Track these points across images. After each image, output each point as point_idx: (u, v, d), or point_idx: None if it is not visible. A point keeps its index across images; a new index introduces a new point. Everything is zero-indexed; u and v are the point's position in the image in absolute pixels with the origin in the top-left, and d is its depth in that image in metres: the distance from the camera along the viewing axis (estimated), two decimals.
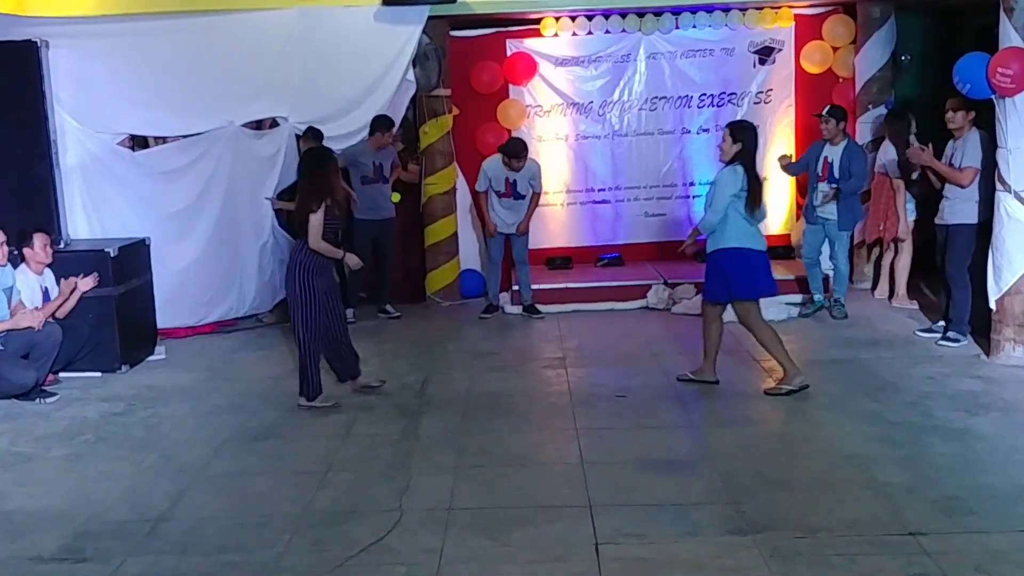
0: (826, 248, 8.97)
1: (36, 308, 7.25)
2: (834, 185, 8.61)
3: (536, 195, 9.29)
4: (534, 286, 9.55)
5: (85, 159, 8.49)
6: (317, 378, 6.74)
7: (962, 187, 7.49)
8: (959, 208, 7.57)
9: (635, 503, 4.95)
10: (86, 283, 7.56)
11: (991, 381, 6.76)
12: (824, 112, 8.78)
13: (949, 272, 7.65)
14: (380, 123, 9.06)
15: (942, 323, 7.87)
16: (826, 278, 9.11)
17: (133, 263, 8.14)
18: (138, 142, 8.99)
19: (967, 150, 7.48)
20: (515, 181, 9.13)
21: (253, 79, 8.78)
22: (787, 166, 9.18)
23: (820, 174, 8.77)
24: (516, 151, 9.01)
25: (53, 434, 6.41)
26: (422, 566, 4.35)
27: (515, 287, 9.60)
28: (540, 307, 9.44)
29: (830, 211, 8.71)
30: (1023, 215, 6.90)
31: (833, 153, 8.70)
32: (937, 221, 7.83)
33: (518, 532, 4.67)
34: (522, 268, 9.41)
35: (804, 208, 9.08)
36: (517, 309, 9.50)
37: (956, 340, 7.61)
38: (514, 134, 10.27)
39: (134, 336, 8.08)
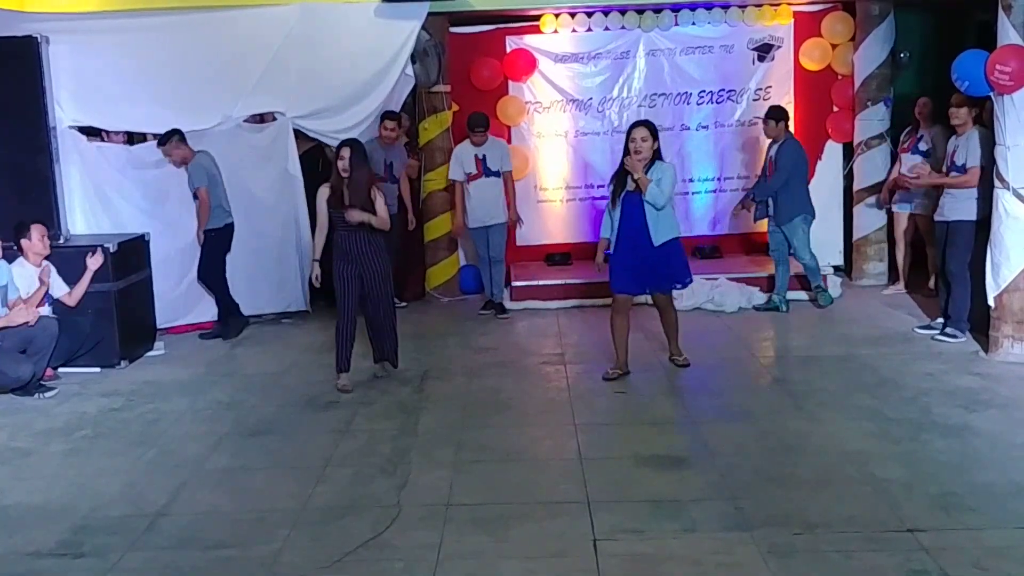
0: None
1: (27, 295, 7.26)
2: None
3: (508, 174, 9.28)
4: (534, 282, 9.55)
5: (83, 154, 8.49)
6: (341, 354, 7.08)
7: (972, 187, 7.47)
8: (959, 205, 7.57)
9: (633, 499, 4.95)
10: (95, 261, 7.59)
11: (990, 378, 6.77)
12: (765, 115, 8.99)
13: (949, 268, 7.66)
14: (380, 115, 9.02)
15: (940, 320, 7.88)
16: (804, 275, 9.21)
17: (132, 258, 8.14)
18: (136, 136, 8.99)
19: (970, 148, 7.48)
20: (484, 157, 9.12)
21: (253, 75, 8.76)
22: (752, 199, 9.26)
23: (768, 174, 8.94)
24: (475, 122, 9.06)
25: (52, 429, 6.42)
26: (420, 561, 4.36)
27: (515, 283, 9.60)
28: (539, 303, 9.46)
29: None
30: (1021, 212, 6.90)
31: (774, 150, 8.88)
32: (937, 218, 7.85)
33: (516, 528, 4.67)
34: (496, 266, 9.38)
35: (755, 209, 9.15)
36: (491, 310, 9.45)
37: (955, 336, 7.62)
38: (514, 130, 10.30)
39: (133, 331, 8.08)
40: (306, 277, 9.24)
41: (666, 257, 6.89)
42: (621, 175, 6.87)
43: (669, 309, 7.24)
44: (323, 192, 7.06)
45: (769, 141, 9.09)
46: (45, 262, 7.48)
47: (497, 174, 9.19)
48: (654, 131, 6.80)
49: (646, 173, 6.74)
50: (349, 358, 7.12)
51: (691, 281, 7.36)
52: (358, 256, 6.96)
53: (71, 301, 7.53)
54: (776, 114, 8.90)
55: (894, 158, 9.52)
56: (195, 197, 8.49)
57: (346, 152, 6.95)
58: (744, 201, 9.29)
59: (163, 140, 8.43)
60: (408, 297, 9.87)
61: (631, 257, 6.86)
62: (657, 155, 6.81)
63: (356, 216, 6.83)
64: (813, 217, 8.89)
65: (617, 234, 6.92)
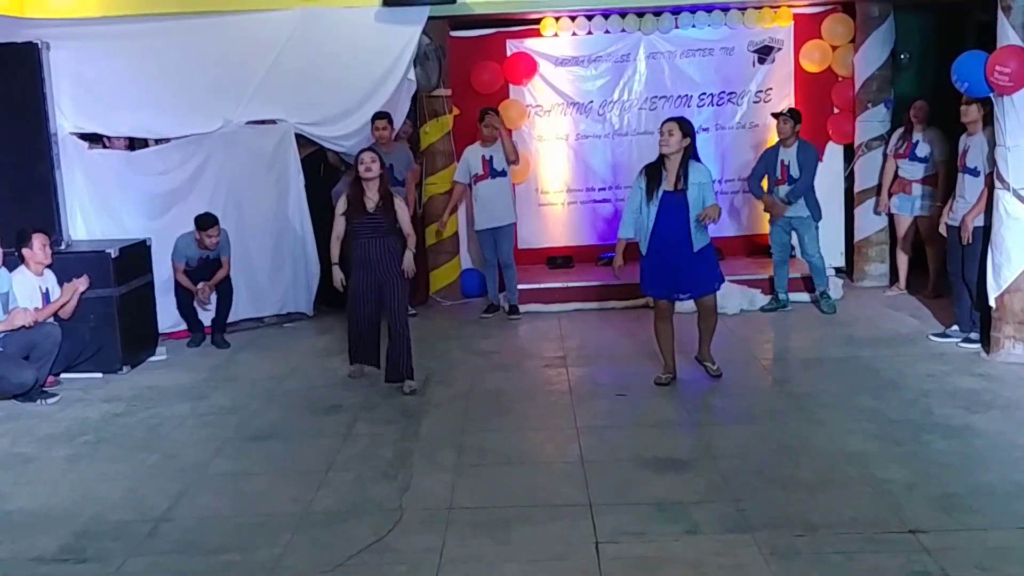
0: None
1: (36, 308, 7.24)
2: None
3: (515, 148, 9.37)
4: (536, 285, 9.58)
5: (85, 160, 8.51)
6: (353, 349, 7.31)
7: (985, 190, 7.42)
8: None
9: (635, 501, 4.96)
10: (81, 283, 7.55)
11: (991, 379, 6.76)
12: (784, 112, 8.99)
13: (967, 277, 7.57)
14: (374, 116, 8.90)
15: (955, 327, 7.75)
16: (808, 277, 9.25)
17: (134, 264, 8.15)
18: (138, 142, 9.00)
19: (986, 153, 7.38)
20: (491, 158, 9.15)
21: (254, 80, 8.78)
22: (749, 180, 9.40)
23: (779, 177, 8.95)
24: (479, 117, 9.12)
25: (54, 435, 6.42)
26: (423, 565, 4.37)
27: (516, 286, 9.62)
28: (541, 306, 9.49)
29: (793, 209, 8.87)
30: (1022, 213, 6.90)
31: (788, 155, 8.90)
32: (950, 222, 7.75)
33: (518, 531, 4.68)
34: (508, 270, 9.40)
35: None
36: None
37: (979, 341, 7.51)
38: (515, 134, 10.30)
39: (135, 337, 8.09)
40: (311, 281, 9.28)
41: (703, 259, 6.72)
42: (654, 169, 6.66)
43: (714, 311, 7.00)
44: (341, 203, 7.09)
45: (772, 145, 9.15)
46: (47, 271, 7.48)
47: (503, 174, 9.21)
48: (685, 128, 6.61)
49: (682, 174, 6.56)
50: (368, 353, 7.27)
51: (721, 284, 7.10)
52: (376, 263, 6.99)
53: (40, 317, 7.32)
54: (797, 116, 8.95)
55: (884, 160, 9.53)
56: (212, 260, 8.63)
57: (367, 156, 6.96)
58: (774, 204, 9.05)
59: (208, 225, 8.34)
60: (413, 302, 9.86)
61: (668, 260, 6.65)
62: (692, 155, 6.62)
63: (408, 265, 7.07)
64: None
65: (651, 235, 6.67)
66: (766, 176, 9.12)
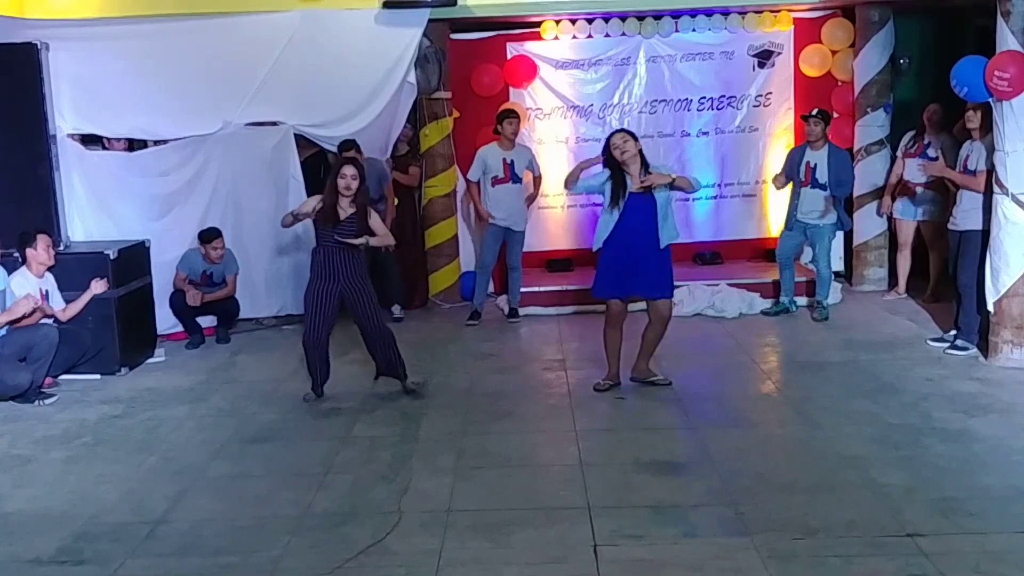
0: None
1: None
2: (827, 193, 8.80)
3: (538, 178, 9.37)
4: (535, 288, 9.58)
5: (84, 161, 8.51)
6: (313, 371, 6.98)
7: (979, 192, 7.41)
8: (973, 214, 7.49)
9: (634, 504, 4.96)
10: (99, 286, 7.57)
11: (989, 383, 6.77)
12: (814, 114, 8.91)
13: (961, 280, 7.60)
14: (340, 145, 8.74)
15: (953, 332, 7.74)
16: (810, 281, 9.24)
17: (133, 265, 8.14)
18: (137, 143, 9.00)
19: (983, 154, 7.42)
20: (512, 162, 9.11)
21: (254, 82, 8.76)
22: (776, 178, 9.42)
23: (803, 179, 8.90)
24: (502, 115, 9.11)
25: (52, 436, 6.42)
26: (421, 568, 4.36)
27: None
28: (540, 309, 9.50)
29: (813, 216, 8.84)
30: (1020, 218, 6.90)
31: (815, 158, 8.85)
32: (950, 227, 7.76)
33: (517, 534, 4.68)
34: (513, 273, 9.39)
35: (787, 215, 9.18)
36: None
37: (964, 349, 7.53)
38: (517, 140, 10.30)
39: (134, 338, 8.08)
40: None
41: (663, 260, 6.74)
42: (617, 176, 6.68)
43: (666, 321, 6.94)
44: (314, 199, 6.90)
45: (797, 146, 9.16)
46: (48, 273, 7.47)
47: (521, 181, 9.19)
48: (635, 136, 6.75)
49: (643, 173, 6.59)
50: (321, 376, 7.01)
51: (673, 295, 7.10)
52: (338, 275, 6.75)
53: (63, 317, 7.49)
54: (827, 118, 8.95)
55: (892, 162, 9.52)
56: (216, 281, 8.76)
57: (348, 172, 6.71)
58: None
59: (211, 237, 8.53)
60: (413, 305, 9.83)
61: (625, 260, 6.68)
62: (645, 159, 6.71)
63: (354, 242, 6.69)
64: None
65: (612, 236, 6.72)
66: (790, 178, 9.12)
